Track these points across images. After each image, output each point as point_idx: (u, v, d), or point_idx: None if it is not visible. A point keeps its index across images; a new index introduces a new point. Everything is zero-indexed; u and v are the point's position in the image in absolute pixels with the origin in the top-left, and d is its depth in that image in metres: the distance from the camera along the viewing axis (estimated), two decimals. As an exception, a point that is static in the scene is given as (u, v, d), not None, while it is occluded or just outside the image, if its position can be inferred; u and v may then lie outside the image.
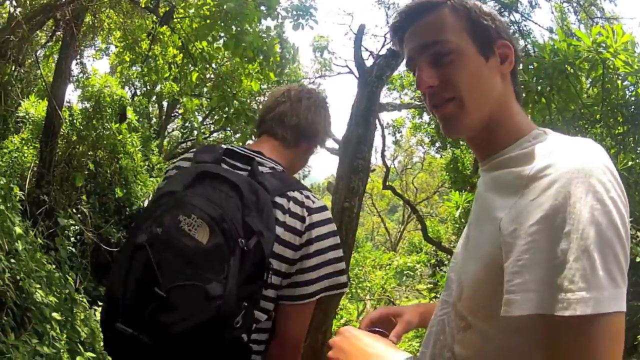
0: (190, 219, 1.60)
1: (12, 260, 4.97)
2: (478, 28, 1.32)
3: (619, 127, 6.48)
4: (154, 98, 23.03)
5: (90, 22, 12.58)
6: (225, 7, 6.74)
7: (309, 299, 1.91)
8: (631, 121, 6.37)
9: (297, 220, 1.90)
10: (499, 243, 1.11)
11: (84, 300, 6.89)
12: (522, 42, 14.23)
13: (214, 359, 1.63)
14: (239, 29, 7.02)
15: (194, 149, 2.14)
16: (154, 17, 9.77)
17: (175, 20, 9.32)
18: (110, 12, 12.75)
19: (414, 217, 28.49)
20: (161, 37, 11.82)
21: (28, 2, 9.40)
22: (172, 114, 24.95)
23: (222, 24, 6.95)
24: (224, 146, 2.05)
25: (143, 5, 9.05)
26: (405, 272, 17.67)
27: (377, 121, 10.97)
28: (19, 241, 5.20)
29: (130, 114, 13.90)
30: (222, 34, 7.46)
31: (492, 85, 1.31)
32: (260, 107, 2.53)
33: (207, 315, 1.51)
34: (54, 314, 5.22)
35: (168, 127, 25.89)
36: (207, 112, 24.74)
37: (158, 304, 1.52)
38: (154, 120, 24.11)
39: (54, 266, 6.58)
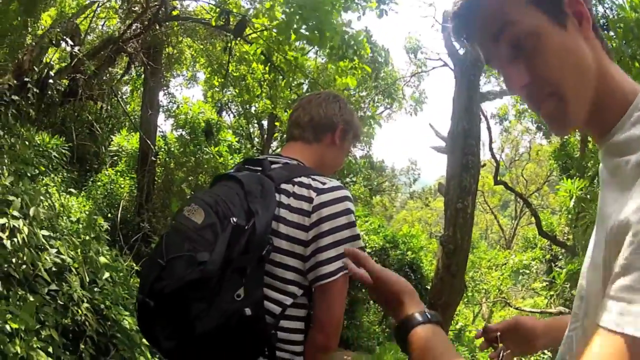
0: (190, 207, 1.91)
1: (96, 289, 4.97)
2: None
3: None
4: (251, 118, 23.44)
5: (169, 53, 12.83)
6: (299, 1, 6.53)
7: (331, 277, 1.94)
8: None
9: (304, 201, 1.99)
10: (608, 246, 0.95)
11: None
12: (600, 8, 13.78)
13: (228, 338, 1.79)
14: (318, 21, 6.77)
15: None
16: (230, 35, 9.77)
17: (252, 34, 9.29)
18: (188, 41, 12.95)
19: (526, 211, 27.60)
20: (246, 56, 11.91)
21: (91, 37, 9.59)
22: (274, 132, 25.22)
23: (300, 18, 6.73)
24: (247, 158, 2.36)
25: (214, 24, 9.01)
26: (521, 271, 16.90)
27: (480, 112, 10.35)
28: (104, 270, 5.20)
29: (229, 136, 14.02)
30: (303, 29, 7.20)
31: (583, 56, 1.10)
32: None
33: (193, 276, 1.72)
34: (144, 339, 5.18)
35: (272, 145, 26.23)
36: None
37: (158, 272, 1.79)
38: (256, 140, 24.43)
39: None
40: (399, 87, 22.45)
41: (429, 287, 16.13)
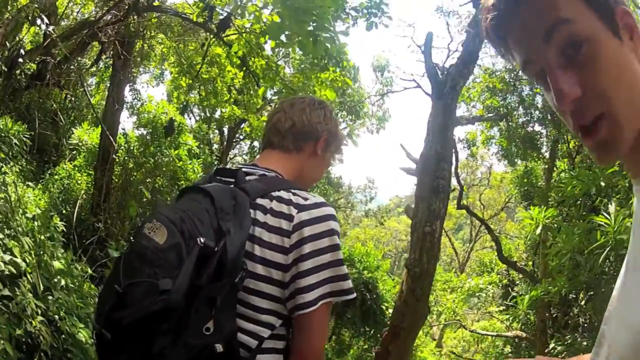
0: (151, 224, 1.64)
1: (50, 298, 4.46)
2: None
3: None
4: (213, 123, 22.93)
5: (140, 47, 12.33)
6: (295, 3, 6.08)
7: (311, 308, 1.73)
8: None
9: (282, 219, 1.76)
10: None
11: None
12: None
13: None
14: (314, 24, 6.34)
15: None
16: (207, 34, 9.33)
17: (232, 35, 8.88)
18: (161, 37, 12.47)
19: (482, 235, 27.79)
20: (217, 58, 11.50)
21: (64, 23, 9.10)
22: (234, 140, 24.77)
23: (295, 21, 6.29)
24: (219, 167, 2.18)
25: (195, 19, 8.58)
26: (477, 294, 16.85)
27: (453, 137, 10.25)
28: (59, 277, 4.69)
29: (190, 140, 13.57)
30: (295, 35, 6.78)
31: (637, 74, 0.94)
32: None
33: (154, 308, 1.50)
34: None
35: (230, 153, 25.77)
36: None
37: (114, 300, 1.55)
38: (215, 146, 23.96)
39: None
40: (365, 105, 22.26)
41: (384, 307, 16.18)
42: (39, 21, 7.30)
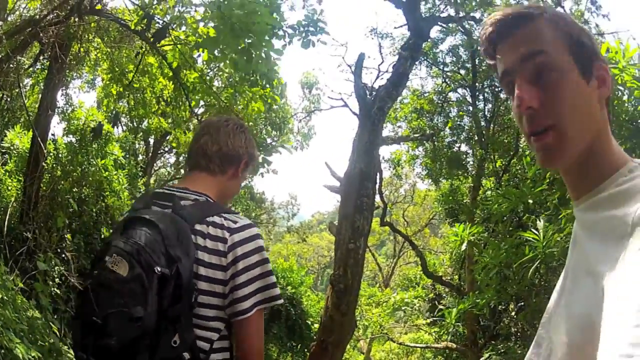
0: (112, 258, 1.86)
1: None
2: (579, 47, 1.21)
3: (626, 143, 6.31)
4: (140, 134, 22.32)
5: (77, 51, 11.84)
6: (232, 19, 5.92)
7: (248, 314, 2.06)
8: (638, 136, 6.37)
9: (219, 242, 2.07)
10: (600, 302, 0.99)
11: (70, 351, 6.09)
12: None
13: None
14: (249, 41, 6.21)
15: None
16: (142, 43, 9.02)
17: (165, 47, 8.62)
18: (98, 41, 12.01)
19: (405, 250, 28.12)
20: (149, 68, 11.16)
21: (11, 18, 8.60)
22: (159, 151, 24.21)
23: (232, 36, 6.12)
24: (156, 190, 2.35)
25: (133, 27, 8.27)
26: (402, 308, 16.99)
27: (378, 156, 10.39)
28: (-4, 288, 4.34)
29: (117, 150, 13.12)
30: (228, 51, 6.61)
31: (593, 112, 1.20)
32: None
33: (134, 334, 1.76)
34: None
35: (155, 164, 25.16)
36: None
37: (98, 330, 1.76)
38: (140, 157, 23.33)
39: (36, 312, 5.79)
40: (290, 121, 22.21)
41: (309, 322, 16.09)
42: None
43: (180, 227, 2.00)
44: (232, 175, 2.35)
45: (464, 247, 9.32)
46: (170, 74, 8.76)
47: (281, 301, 2.26)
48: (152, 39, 7.91)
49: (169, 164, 27.37)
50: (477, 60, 14.67)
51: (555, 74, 1.17)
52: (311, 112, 23.25)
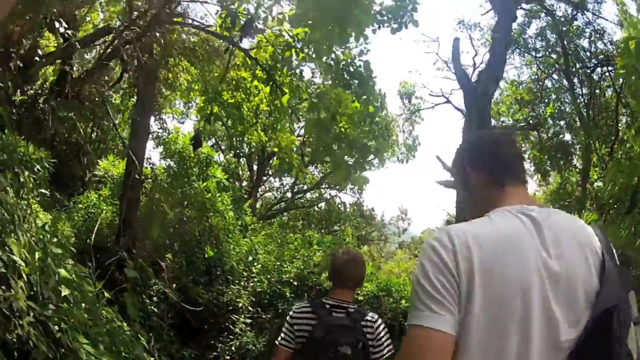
0: (342, 347, 3.45)
1: (51, 306, 3.78)
2: None
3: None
4: (242, 160, 22.40)
5: (165, 76, 11.86)
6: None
7: None
8: None
9: (370, 328, 3.61)
10: None
11: (156, 362, 5.81)
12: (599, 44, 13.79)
13: None
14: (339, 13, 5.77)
15: (310, 306, 3.75)
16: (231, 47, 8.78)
17: (256, 49, 8.33)
18: (186, 65, 11.98)
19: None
20: (243, 83, 10.99)
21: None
22: (263, 176, 24.23)
23: (317, 7, 5.72)
24: (325, 302, 3.72)
25: (218, 30, 8.04)
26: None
27: None
28: (63, 286, 4.02)
29: (219, 172, 12.98)
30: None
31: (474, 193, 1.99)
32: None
33: None
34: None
35: (260, 189, 25.25)
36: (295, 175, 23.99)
37: None
38: (245, 183, 23.44)
39: (124, 324, 5.50)
40: (393, 132, 21.55)
41: None
42: (57, 24, 6.78)
43: (357, 323, 3.66)
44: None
45: None
46: (264, 76, 8.40)
47: None
48: (239, 38, 7.62)
49: (274, 188, 27.36)
50: (565, 42, 13.73)
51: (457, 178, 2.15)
52: (415, 111, 22.42)
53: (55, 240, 5.00)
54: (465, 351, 1.51)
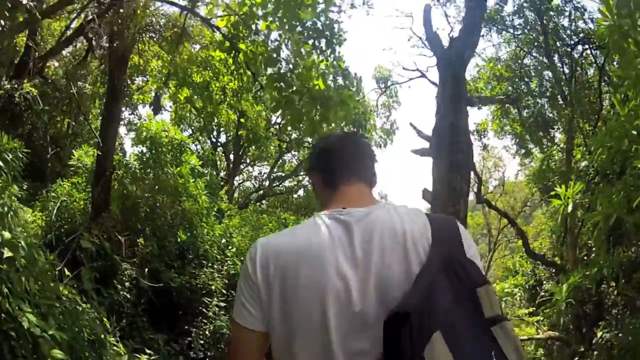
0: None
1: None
2: None
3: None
4: (220, 149, 22.11)
5: (137, 62, 11.56)
6: None
7: None
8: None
9: None
10: None
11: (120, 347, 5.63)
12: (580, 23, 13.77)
13: None
14: None
15: None
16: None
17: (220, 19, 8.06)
18: (156, 48, 11.69)
19: (499, 244, 26.75)
20: (211, 60, 10.71)
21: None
22: (240, 164, 24.02)
23: None
24: None
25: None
26: (504, 299, 15.73)
27: (466, 108, 9.21)
28: (6, 249, 3.75)
29: (193, 159, 12.70)
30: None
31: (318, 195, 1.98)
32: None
33: None
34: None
35: (237, 178, 25.06)
36: (274, 160, 23.77)
37: None
38: (223, 173, 23.20)
39: (86, 305, 5.29)
40: (370, 117, 21.38)
41: None
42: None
43: None
44: None
45: (570, 208, 8.35)
46: (227, 45, 8.08)
47: None
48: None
49: (252, 177, 27.17)
50: (544, 20, 13.61)
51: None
52: (390, 86, 22.25)
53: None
54: (274, 351, 1.69)
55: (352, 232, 1.62)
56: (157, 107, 9.94)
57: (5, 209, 4.21)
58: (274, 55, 7.35)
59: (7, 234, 3.83)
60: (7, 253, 3.65)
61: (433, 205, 7.94)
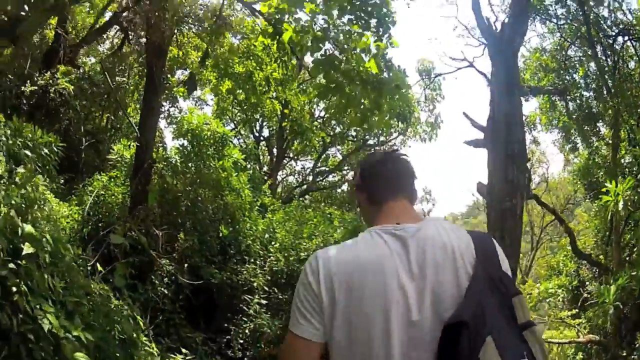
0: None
1: (10, 265, 3.27)
2: None
3: None
4: (262, 144, 21.88)
5: (176, 55, 11.35)
6: None
7: None
8: None
9: None
10: None
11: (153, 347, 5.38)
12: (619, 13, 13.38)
13: None
14: None
15: None
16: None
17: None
18: (195, 40, 11.46)
19: (542, 242, 26.00)
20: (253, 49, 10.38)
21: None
22: (283, 159, 23.80)
23: None
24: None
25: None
26: (547, 300, 15.12)
27: (520, 95, 8.71)
28: (27, 244, 3.50)
29: (235, 152, 12.45)
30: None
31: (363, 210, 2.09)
32: None
33: None
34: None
35: (281, 173, 24.88)
36: (318, 154, 23.50)
37: None
38: (265, 168, 23.03)
39: (120, 302, 5.07)
40: (415, 110, 20.86)
41: None
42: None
43: None
44: None
45: (620, 206, 7.90)
46: (271, 30, 7.76)
47: None
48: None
49: (295, 172, 26.98)
50: (585, 9, 13.03)
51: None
52: (435, 77, 21.69)
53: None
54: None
55: (408, 247, 1.71)
56: (192, 86, 9.66)
57: (29, 201, 3.97)
58: (322, 36, 6.94)
59: (28, 228, 3.57)
60: (27, 249, 3.39)
61: (489, 200, 7.54)
